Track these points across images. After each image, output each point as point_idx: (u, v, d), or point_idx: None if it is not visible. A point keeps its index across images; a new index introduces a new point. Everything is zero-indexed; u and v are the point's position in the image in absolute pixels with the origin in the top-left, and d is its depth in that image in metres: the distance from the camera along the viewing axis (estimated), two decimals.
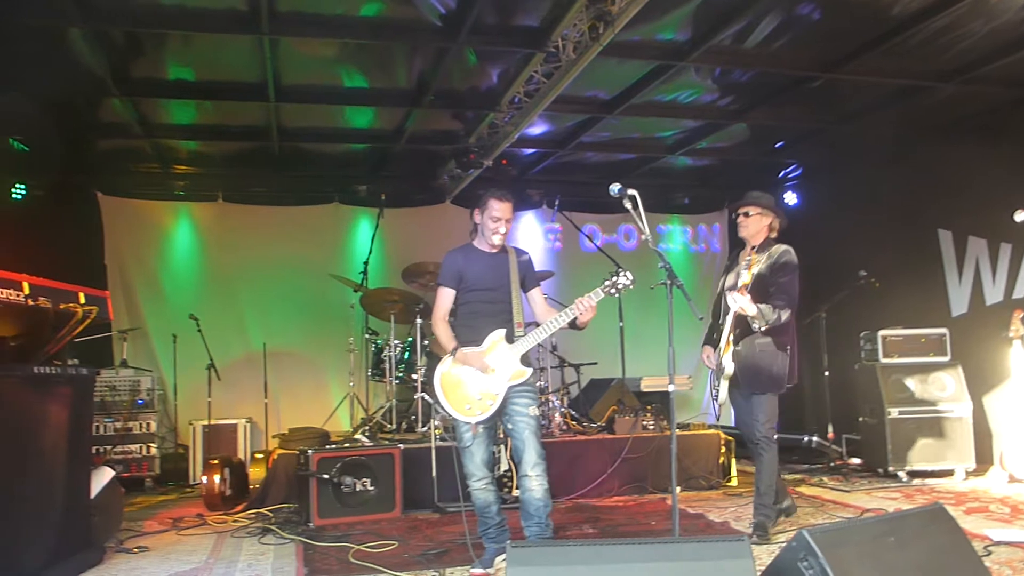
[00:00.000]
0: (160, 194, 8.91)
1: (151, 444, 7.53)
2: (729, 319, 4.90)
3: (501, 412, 4.37)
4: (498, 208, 4.44)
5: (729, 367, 4.91)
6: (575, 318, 4.29)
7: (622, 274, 4.30)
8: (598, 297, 4.28)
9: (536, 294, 4.71)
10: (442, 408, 4.40)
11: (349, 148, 8.58)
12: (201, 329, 7.79)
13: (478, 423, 4.32)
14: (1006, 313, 6.87)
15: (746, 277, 4.79)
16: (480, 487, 4.40)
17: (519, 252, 4.67)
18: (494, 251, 4.56)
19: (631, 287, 4.32)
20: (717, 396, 5.06)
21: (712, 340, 5.17)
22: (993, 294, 7.50)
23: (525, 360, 4.40)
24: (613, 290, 4.30)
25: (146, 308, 8.60)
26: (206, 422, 7.82)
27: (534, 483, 4.26)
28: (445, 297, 4.56)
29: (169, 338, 8.13)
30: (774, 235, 5.11)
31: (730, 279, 5.11)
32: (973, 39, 5.94)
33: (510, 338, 4.41)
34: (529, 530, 4.33)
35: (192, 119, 7.51)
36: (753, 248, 5.03)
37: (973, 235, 7.69)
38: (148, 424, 7.54)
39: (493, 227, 4.44)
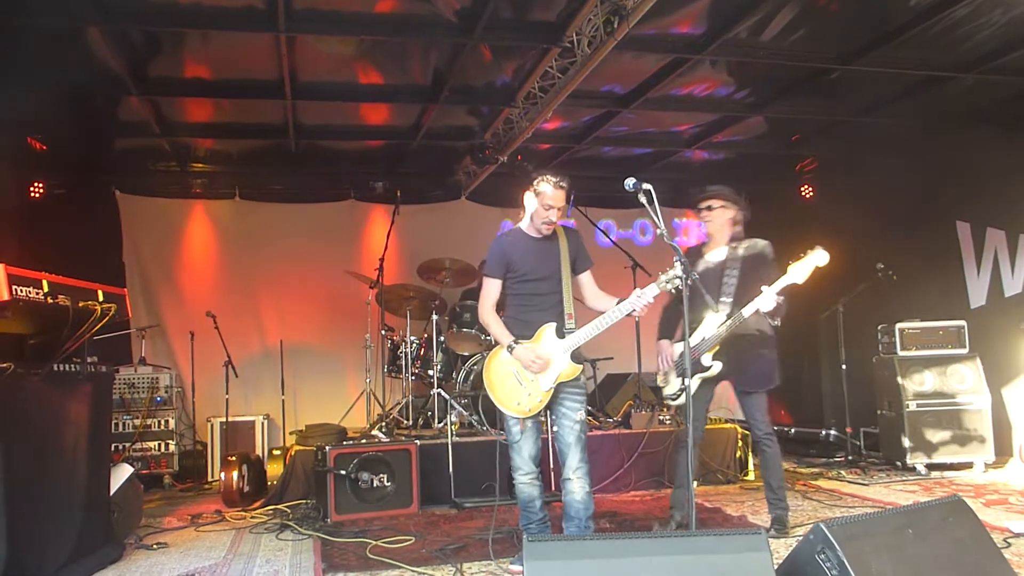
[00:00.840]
0: (178, 192, 8.98)
1: (170, 441, 7.58)
2: (714, 317, 4.82)
3: (550, 408, 4.30)
4: (551, 196, 4.21)
5: (716, 366, 4.84)
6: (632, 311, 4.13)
7: (679, 266, 4.01)
8: (653, 293, 4.10)
9: (586, 277, 4.46)
10: (492, 401, 4.29)
11: (365, 145, 8.61)
12: (218, 326, 7.84)
13: (526, 419, 4.24)
14: None
15: (735, 273, 4.77)
16: (526, 481, 4.32)
17: (569, 232, 4.48)
18: (543, 236, 4.36)
19: (688, 281, 4.10)
20: (677, 396, 5.00)
21: (668, 334, 5.06)
22: (1012, 285, 7.43)
23: (576, 356, 4.26)
24: (670, 286, 4.06)
25: (164, 306, 8.68)
26: (224, 419, 7.86)
27: (576, 486, 4.18)
28: (492, 288, 4.37)
29: (187, 335, 8.18)
30: (738, 228, 5.03)
31: (707, 271, 4.95)
32: (992, 29, 5.89)
33: (560, 332, 4.27)
34: (570, 532, 4.27)
35: (209, 117, 7.56)
36: (733, 243, 5.00)
37: (991, 226, 7.63)
38: (167, 421, 7.60)
39: (545, 215, 4.23)
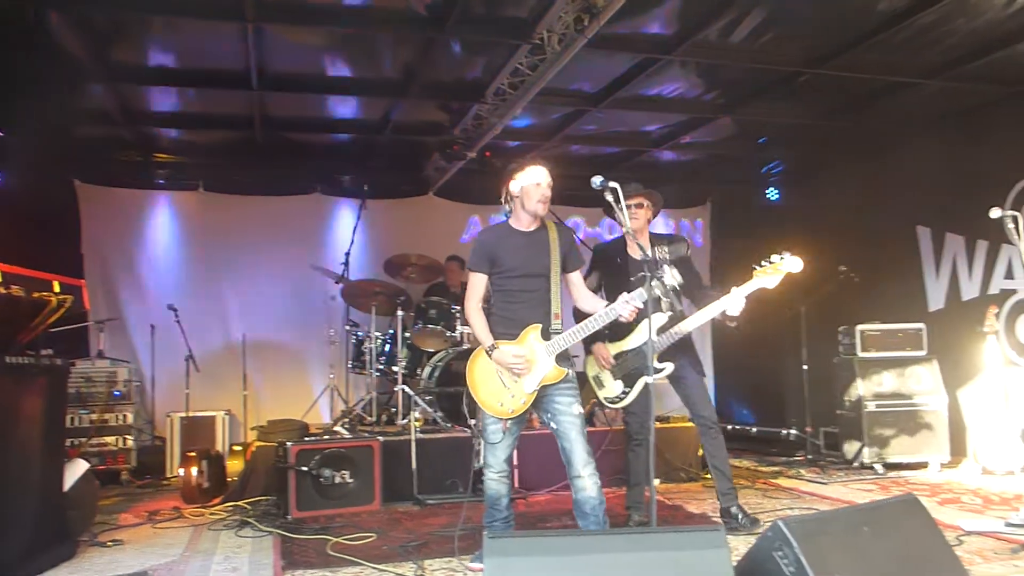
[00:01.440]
0: (140, 183, 8.82)
1: (128, 436, 7.44)
2: (655, 318, 4.81)
3: (542, 408, 4.19)
4: (536, 172, 4.13)
5: (668, 367, 4.89)
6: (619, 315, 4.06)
7: (668, 274, 4.04)
8: (642, 298, 4.03)
9: (576, 277, 4.34)
10: (475, 401, 4.21)
11: (333, 138, 8.53)
12: (180, 320, 7.74)
13: (508, 420, 4.16)
14: (981, 308, 6.97)
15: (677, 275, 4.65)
16: (495, 478, 4.26)
17: (561, 228, 4.31)
18: (532, 229, 4.23)
19: (677, 287, 4.16)
20: (618, 399, 5.00)
21: (598, 336, 4.97)
22: (969, 290, 7.58)
23: (562, 358, 4.15)
24: (658, 292, 4.06)
25: (124, 298, 8.53)
26: (184, 414, 7.75)
27: (588, 483, 4.03)
28: (477, 283, 4.22)
29: (147, 329, 8.07)
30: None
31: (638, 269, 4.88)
32: (956, 37, 5.98)
33: (546, 333, 4.15)
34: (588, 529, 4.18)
35: (174, 107, 7.43)
36: (655, 244, 5.08)
37: (951, 232, 7.77)
38: (125, 416, 7.45)
39: (537, 194, 4.11)
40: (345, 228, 8.89)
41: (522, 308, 4.17)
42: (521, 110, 6.78)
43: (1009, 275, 7.20)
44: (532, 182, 4.13)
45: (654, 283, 3.94)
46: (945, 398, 7.20)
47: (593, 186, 3.93)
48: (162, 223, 8.83)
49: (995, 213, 4.54)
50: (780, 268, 4.61)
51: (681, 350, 5.04)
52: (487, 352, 4.13)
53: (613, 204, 3.86)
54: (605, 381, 5.07)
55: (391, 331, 7.43)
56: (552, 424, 4.16)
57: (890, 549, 3.00)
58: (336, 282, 7.74)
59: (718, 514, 5.30)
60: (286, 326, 8.90)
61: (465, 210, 9.77)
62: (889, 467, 7.10)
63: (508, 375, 4.13)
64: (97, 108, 7.21)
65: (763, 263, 4.65)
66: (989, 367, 6.82)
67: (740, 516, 4.99)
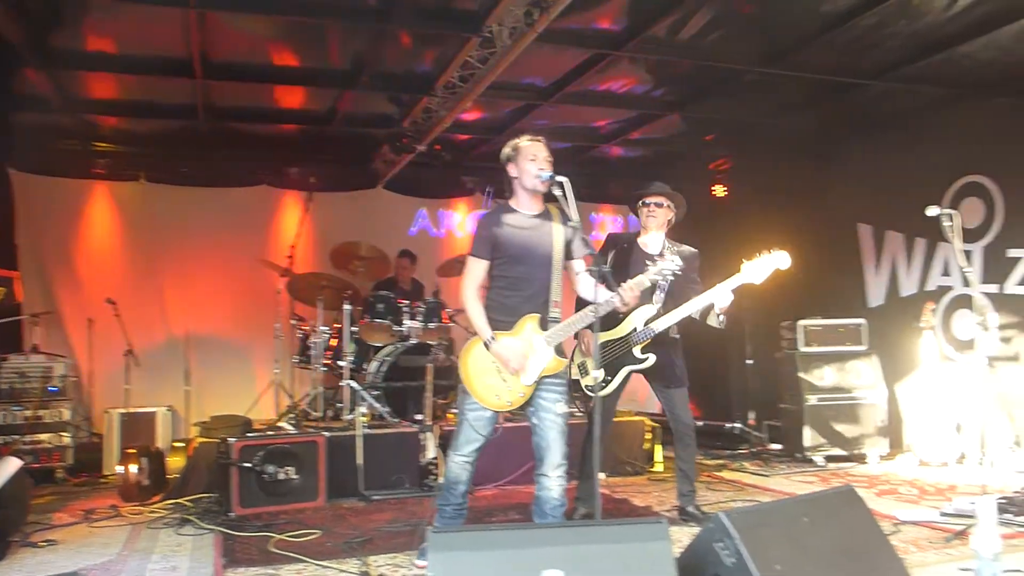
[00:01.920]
0: (78, 172, 8.55)
1: (63, 433, 7.22)
2: (645, 309, 4.89)
3: (528, 400, 4.08)
4: (531, 147, 4.02)
5: (650, 359, 4.93)
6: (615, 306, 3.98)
7: (669, 259, 4.03)
8: (642, 286, 4.02)
9: (579, 265, 4.22)
10: (469, 392, 4.05)
11: (279, 129, 8.39)
12: (119, 314, 7.54)
13: (502, 414, 4.07)
14: (919, 304, 7.19)
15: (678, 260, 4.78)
16: (459, 463, 4.11)
17: (565, 217, 4.11)
18: (535, 213, 4.10)
19: (678, 272, 4.13)
20: (599, 386, 4.96)
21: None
22: (907, 286, 7.77)
23: (559, 349, 4.07)
24: (659, 278, 4.06)
25: (60, 291, 8.27)
26: (123, 410, 7.56)
27: (554, 483, 3.99)
28: (477, 269, 4.04)
29: (85, 323, 7.86)
30: (669, 228, 5.22)
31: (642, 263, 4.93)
32: (898, 39, 6.09)
33: (544, 323, 4.03)
34: None
35: (114, 94, 7.24)
36: (669, 243, 5.15)
37: (890, 229, 7.95)
38: (61, 412, 7.22)
39: (537, 170, 3.97)
40: (291, 221, 8.78)
41: (521, 296, 4.04)
42: (471, 103, 6.75)
43: (946, 272, 7.40)
44: (528, 157, 4.02)
45: (653, 271, 4.00)
46: (884, 392, 7.38)
47: (541, 179, 3.93)
48: (101, 214, 8.60)
49: (932, 211, 4.64)
50: (769, 263, 4.71)
51: (674, 352, 5.11)
52: (485, 344, 3.98)
53: (562, 198, 3.85)
54: (588, 368, 5.03)
55: (338, 325, 7.35)
56: (533, 419, 4.09)
57: (828, 539, 3.05)
58: (281, 275, 7.63)
59: (666, 508, 5.36)
60: (230, 320, 8.75)
61: (414, 204, 9.71)
62: (830, 459, 7.25)
63: (505, 369, 4.01)
64: (33, 94, 6.98)
65: (754, 257, 4.73)
66: (926, 362, 7.02)
67: (697, 514, 5.08)
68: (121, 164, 8.67)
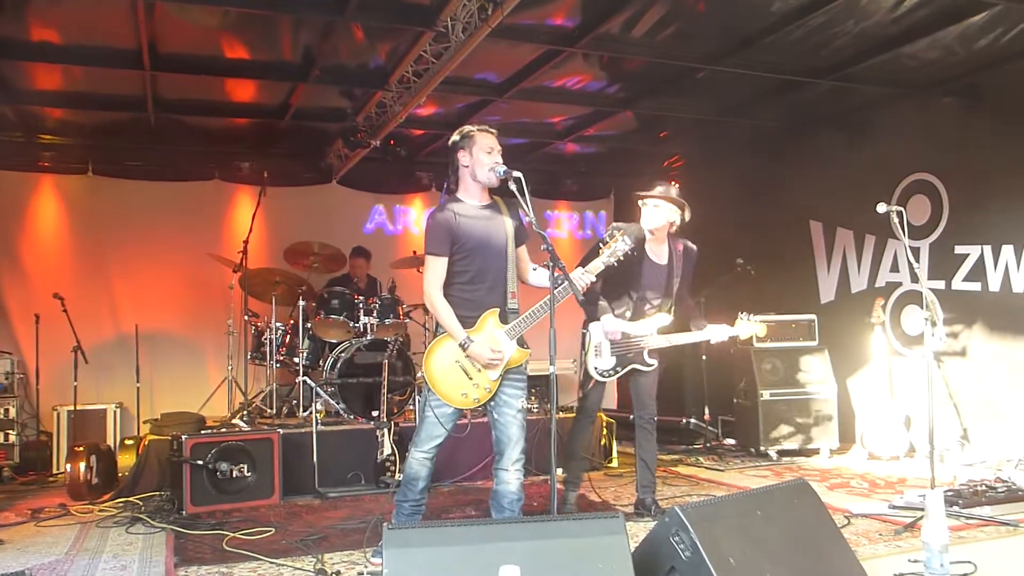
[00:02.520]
0: (23, 164, 8.32)
1: (9, 431, 7.07)
2: (661, 317, 5.13)
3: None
4: (484, 138, 3.97)
5: (656, 364, 5.19)
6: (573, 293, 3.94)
7: (621, 239, 4.04)
8: (598, 268, 4.03)
9: (523, 251, 4.21)
10: (433, 391, 4.00)
11: (231, 123, 8.26)
12: (67, 309, 7.37)
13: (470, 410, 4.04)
14: (869, 300, 7.33)
15: (678, 277, 5.23)
16: (420, 459, 4.08)
17: (509, 202, 4.11)
18: (485, 204, 4.07)
19: (630, 252, 4.15)
20: (610, 373, 5.11)
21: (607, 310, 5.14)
22: (858, 282, 7.92)
23: (521, 340, 4.04)
24: (613, 259, 4.06)
25: (5, 286, 8.09)
26: (72, 407, 7.41)
27: (512, 477, 3.97)
28: (438, 267, 3.96)
29: (31, 318, 7.66)
30: (673, 229, 5.28)
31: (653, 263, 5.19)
32: (845, 38, 6.20)
33: (504, 316, 4.01)
34: None
35: (59, 85, 7.05)
36: (673, 246, 5.30)
37: (841, 226, 8.10)
38: (7, 410, 7.09)
39: (489, 160, 3.94)
40: (244, 215, 8.64)
41: (483, 288, 4.01)
42: (425, 98, 6.71)
43: (895, 268, 7.55)
44: (483, 149, 3.97)
45: (606, 254, 4.05)
46: (835, 387, 7.51)
47: (497, 174, 3.92)
48: (48, 207, 8.41)
49: (881, 208, 4.74)
50: (756, 333, 5.35)
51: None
52: (461, 346, 3.91)
53: (517, 194, 3.83)
54: (603, 352, 5.10)
55: (292, 321, 7.27)
56: (494, 414, 4.06)
57: (781, 532, 3.10)
58: (234, 271, 7.52)
59: (623, 503, 5.40)
60: (181, 316, 8.62)
61: (369, 199, 9.64)
62: (783, 454, 7.36)
63: (470, 364, 3.96)
64: None
65: (747, 317, 5.29)
66: (876, 357, 7.17)
67: (653, 508, 5.14)
68: (68, 157, 8.47)
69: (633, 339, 5.10)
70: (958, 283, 6.95)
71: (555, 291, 3.76)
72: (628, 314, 5.11)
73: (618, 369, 5.11)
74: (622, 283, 5.06)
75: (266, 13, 5.70)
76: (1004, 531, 4.48)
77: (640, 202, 5.23)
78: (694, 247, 5.37)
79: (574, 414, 5.42)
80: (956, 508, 4.74)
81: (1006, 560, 3.84)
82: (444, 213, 4.00)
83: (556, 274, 3.71)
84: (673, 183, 5.31)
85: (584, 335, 5.18)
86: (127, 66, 6.44)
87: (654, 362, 5.14)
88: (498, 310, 4.02)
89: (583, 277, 4.00)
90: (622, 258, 4.11)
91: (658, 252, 5.20)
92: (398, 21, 5.79)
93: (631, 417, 5.42)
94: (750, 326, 5.30)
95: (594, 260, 4.12)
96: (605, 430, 7.28)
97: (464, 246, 3.97)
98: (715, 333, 5.19)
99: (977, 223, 6.82)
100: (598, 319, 5.09)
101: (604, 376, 5.12)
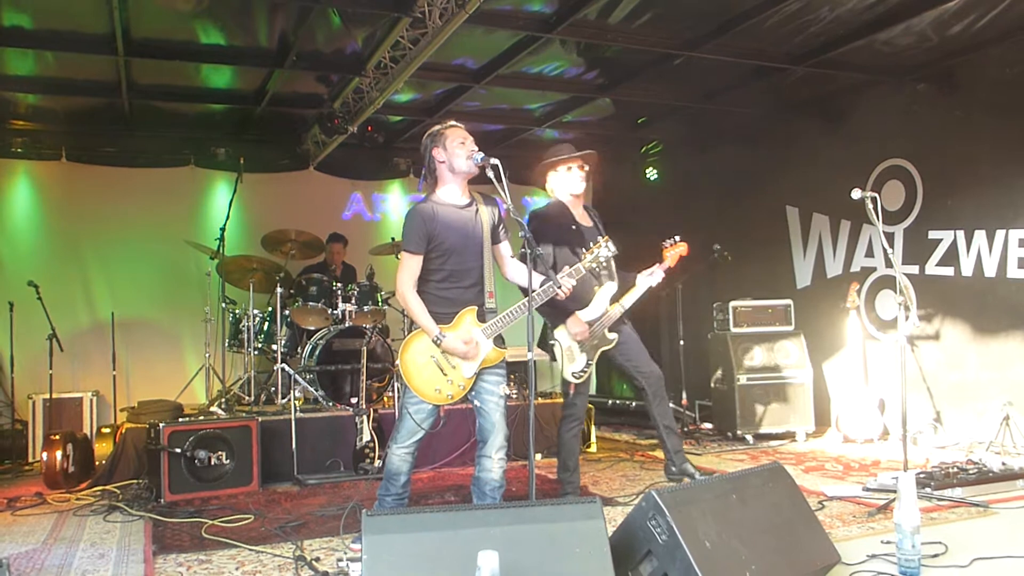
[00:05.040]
0: None
1: None
2: (608, 287, 5.01)
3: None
4: (456, 132, 4.01)
5: (616, 336, 5.11)
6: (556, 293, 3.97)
7: (604, 246, 4.04)
8: (579, 274, 4.02)
9: (506, 247, 4.24)
10: (409, 387, 3.99)
11: (207, 108, 8.20)
12: (42, 297, 7.29)
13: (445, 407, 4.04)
14: (844, 285, 7.42)
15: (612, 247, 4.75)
16: (400, 455, 4.11)
17: (487, 199, 4.17)
18: (464, 203, 4.08)
19: (612, 257, 4.16)
20: (583, 373, 5.03)
21: (576, 305, 4.93)
22: (833, 267, 8.00)
23: (499, 340, 4.06)
24: (595, 265, 4.06)
25: None
26: (47, 396, 7.35)
27: (495, 464, 3.98)
28: (413, 265, 3.98)
29: (5, 306, 7.58)
30: None
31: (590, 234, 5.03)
32: (820, 24, 6.24)
33: (481, 315, 4.03)
34: None
35: (31, 70, 6.96)
36: (589, 211, 5.26)
37: (817, 212, 8.17)
38: None
39: (464, 151, 3.96)
40: (221, 202, 8.60)
41: (460, 287, 4.04)
42: (403, 85, 6.69)
43: (869, 253, 7.64)
44: (456, 140, 4.00)
45: (589, 259, 4.04)
46: (811, 371, 7.58)
47: (474, 163, 3.93)
48: (20, 194, 8.32)
49: (856, 194, 4.77)
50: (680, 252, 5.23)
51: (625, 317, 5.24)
52: (434, 342, 3.93)
53: (494, 181, 3.83)
54: (574, 354, 5.01)
55: (270, 308, 7.24)
56: (476, 402, 4.08)
57: (756, 515, 3.14)
58: (211, 258, 7.47)
59: (600, 488, 5.44)
60: (158, 303, 8.57)
61: (347, 186, 9.61)
62: (759, 438, 7.44)
63: (445, 361, 3.97)
64: None
65: (670, 243, 5.22)
66: (851, 341, 7.25)
67: (697, 473, 5.23)
68: (40, 143, 8.37)
69: (595, 325, 5.03)
70: (932, 268, 7.04)
71: (533, 281, 3.77)
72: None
73: (590, 363, 5.05)
74: (567, 260, 4.76)
75: None
76: (974, 512, 4.56)
77: (552, 171, 5.13)
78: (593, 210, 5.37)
79: (562, 416, 5.19)
80: (928, 490, 4.82)
81: (975, 540, 3.91)
82: (423, 211, 4.01)
83: (534, 254, 3.71)
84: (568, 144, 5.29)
85: (552, 346, 5.02)
86: (101, 51, 6.38)
87: (614, 335, 5.08)
88: (476, 308, 4.04)
89: (566, 281, 4.01)
90: (604, 264, 4.11)
91: (583, 216, 5.14)
92: (375, 7, 5.77)
93: (609, 403, 5.45)
94: (674, 249, 5.25)
95: (577, 264, 4.13)
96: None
97: (441, 245, 3.99)
98: (648, 279, 5.15)
99: (950, 209, 6.90)
100: (562, 324, 4.98)
101: (580, 377, 5.04)
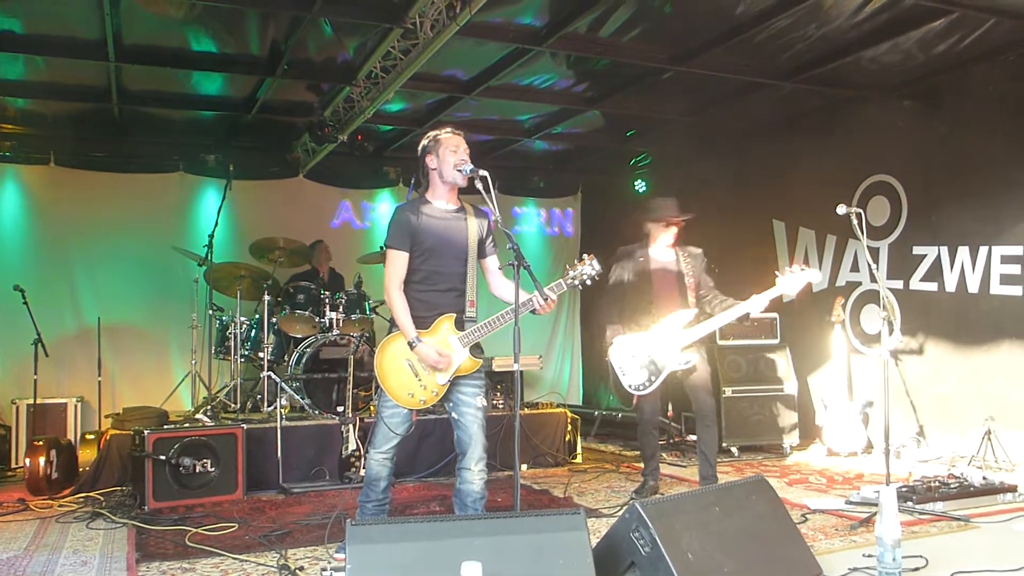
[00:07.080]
0: None
1: None
2: (682, 314, 5.34)
3: (446, 395, 4.06)
4: (451, 139, 4.01)
5: (693, 358, 5.36)
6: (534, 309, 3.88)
7: (588, 263, 4.00)
8: (560, 290, 3.98)
9: (493, 262, 4.23)
10: (383, 389, 4.03)
11: (197, 115, 8.19)
12: (27, 301, 7.26)
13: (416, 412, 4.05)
14: (829, 299, 7.47)
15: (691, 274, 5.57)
16: (379, 460, 4.12)
17: (479, 211, 4.18)
18: (452, 209, 4.10)
19: (596, 277, 4.06)
20: (646, 386, 5.33)
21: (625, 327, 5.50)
22: (819, 282, 8.03)
23: (476, 348, 4.05)
24: (576, 282, 4.02)
25: None
26: (31, 401, 7.31)
27: (476, 476, 3.99)
28: (398, 262, 3.99)
29: None
30: None
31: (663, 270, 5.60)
32: (807, 42, 6.30)
33: (460, 323, 4.03)
34: None
35: (21, 75, 6.94)
36: (676, 247, 5.73)
37: (803, 226, 8.22)
38: None
39: (455, 160, 3.96)
40: (210, 209, 8.58)
41: (437, 290, 4.04)
42: (394, 94, 6.71)
43: (855, 268, 7.69)
44: (449, 148, 4.01)
45: (571, 275, 4.00)
46: (796, 384, 7.63)
47: (463, 174, 3.95)
48: (8, 198, 8.27)
49: (841, 210, 4.83)
50: (803, 277, 5.21)
51: (699, 343, 5.45)
52: (409, 344, 3.94)
53: (483, 192, 3.85)
54: (629, 369, 5.38)
55: (257, 316, 7.23)
56: (453, 414, 4.08)
57: (739, 527, 3.17)
58: (199, 264, 7.46)
59: (585, 499, 5.48)
60: (145, 309, 8.53)
61: (336, 194, 9.61)
62: (744, 450, 7.47)
63: (420, 366, 3.98)
64: None
65: (786, 270, 5.23)
66: (836, 355, 7.31)
67: None
68: (29, 147, 8.32)
69: (656, 346, 5.31)
70: (916, 283, 7.10)
71: (520, 291, 3.77)
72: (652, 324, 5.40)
73: (652, 379, 5.33)
74: (635, 292, 5.51)
75: (233, 6, 5.68)
76: (955, 526, 4.60)
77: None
78: (698, 250, 5.83)
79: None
80: (910, 504, 4.86)
81: (955, 554, 3.94)
82: (407, 209, 4.06)
83: (522, 268, 3.68)
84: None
85: (608, 363, 5.53)
86: (92, 57, 6.37)
87: (690, 357, 5.32)
88: (455, 315, 4.04)
89: (550, 294, 3.95)
90: (588, 282, 4.10)
91: (663, 253, 5.67)
92: (366, 17, 5.79)
93: (595, 413, 5.60)
94: (797, 277, 5.22)
95: (559, 280, 4.10)
96: (570, 426, 7.33)
97: (422, 244, 4.00)
98: (755, 304, 5.25)
99: (935, 224, 6.97)
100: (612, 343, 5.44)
101: (642, 390, 5.35)
